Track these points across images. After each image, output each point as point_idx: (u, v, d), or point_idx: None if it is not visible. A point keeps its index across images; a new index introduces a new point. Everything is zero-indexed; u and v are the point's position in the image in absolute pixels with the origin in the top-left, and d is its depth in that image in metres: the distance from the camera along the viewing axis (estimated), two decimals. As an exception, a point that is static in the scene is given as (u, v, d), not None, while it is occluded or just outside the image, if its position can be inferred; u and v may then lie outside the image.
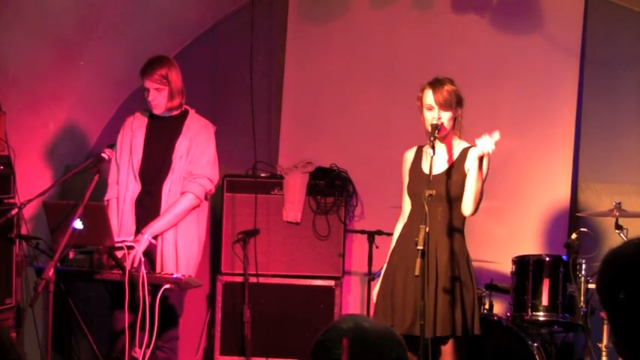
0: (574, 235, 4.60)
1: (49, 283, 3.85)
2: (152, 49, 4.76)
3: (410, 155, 4.16)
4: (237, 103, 5.74)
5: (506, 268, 4.85)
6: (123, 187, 4.47)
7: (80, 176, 4.64)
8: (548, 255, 4.76)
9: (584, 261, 4.60)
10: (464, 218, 4.02)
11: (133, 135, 4.52)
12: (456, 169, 4.00)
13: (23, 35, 4.63)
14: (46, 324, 4.18)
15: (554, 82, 5.51)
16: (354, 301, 5.65)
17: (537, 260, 4.69)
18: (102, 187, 4.54)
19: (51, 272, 3.85)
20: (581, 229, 4.66)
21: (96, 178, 4.20)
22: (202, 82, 5.85)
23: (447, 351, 3.93)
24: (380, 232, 5.15)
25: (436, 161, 3.90)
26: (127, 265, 4.15)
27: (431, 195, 3.70)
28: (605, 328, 4.54)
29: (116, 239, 4.25)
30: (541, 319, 4.62)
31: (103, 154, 4.37)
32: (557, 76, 5.51)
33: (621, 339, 1.85)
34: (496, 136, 3.78)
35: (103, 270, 4.22)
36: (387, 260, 4.15)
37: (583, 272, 4.59)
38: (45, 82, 4.98)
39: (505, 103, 5.50)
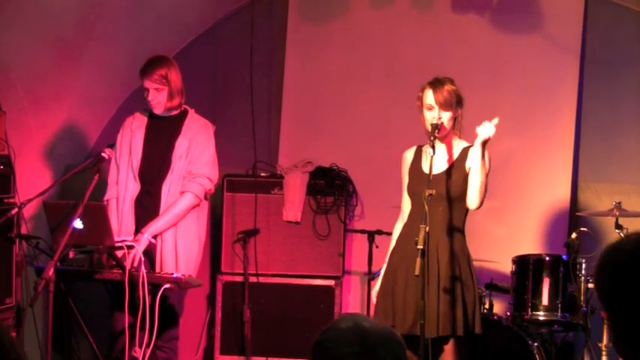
0: (574, 235, 4.60)
1: (49, 282, 3.85)
2: (152, 49, 4.77)
3: (409, 155, 4.16)
4: (237, 103, 5.73)
5: (507, 267, 4.85)
6: (122, 186, 4.47)
7: (80, 176, 4.65)
8: (548, 254, 4.76)
9: (584, 260, 4.60)
10: (464, 218, 4.02)
11: (133, 135, 4.52)
12: (456, 168, 4.00)
13: (23, 35, 4.63)
14: (46, 324, 4.18)
15: (554, 82, 5.51)
16: (354, 301, 5.65)
17: (537, 260, 4.69)
18: (102, 186, 4.54)
19: (51, 272, 3.85)
20: (581, 229, 4.67)
21: (96, 177, 4.20)
22: (202, 81, 5.85)
23: (448, 351, 3.93)
24: (380, 232, 5.15)
25: (436, 161, 3.90)
26: (127, 265, 4.15)
27: (431, 195, 3.70)
28: (605, 327, 4.54)
29: (116, 239, 4.25)
30: (541, 318, 4.62)
31: (103, 154, 4.37)
32: (557, 76, 5.51)
33: (621, 337, 1.85)
34: (495, 120, 3.79)
35: (103, 270, 4.22)
36: (386, 260, 4.15)
37: (583, 272, 4.59)
38: (45, 82, 4.98)
39: (505, 102, 5.49)
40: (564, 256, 4.66)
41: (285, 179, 5.49)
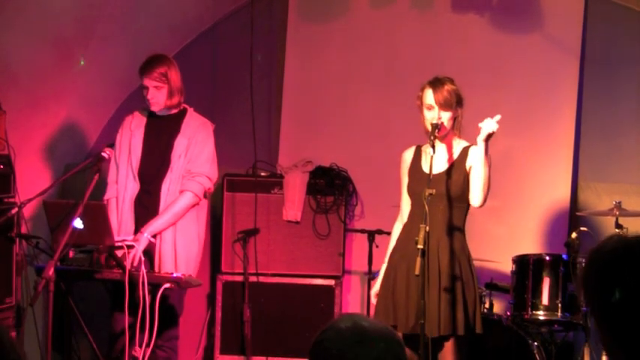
0: (574, 235, 4.60)
1: (49, 282, 3.85)
2: (152, 49, 4.76)
3: (408, 155, 4.16)
4: (237, 103, 5.74)
5: (507, 267, 4.85)
6: (122, 186, 4.47)
7: (80, 175, 4.64)
8: (548, 254, 4.76)
9: (584, 260, 4.59)
10: (464, 217, 4.02)
11: (132, 134, 4.52)
12: (456, 168, 4.00)
13: (23, 35, 4.63)
14: (46, 323, 4.18)
15: (554, 82, 5.51)
16: (354, 301, 5.66)
17: (537, 259, 4.70)
18: (102, 186, 4.54)
19: (51, 271, 3.85)
20: (581, 229, 4.66)
21: (96, 177, 4.20)
22: (202, 81, 5.85)
23: (449, 350, 3.93)
24: (380, 232, 5.15)
25: (436, 160, 3.90)
26: (127, 265, 4.15)
27: (431, 194, 3.70)
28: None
29: (116, 238, 4.25)
30: (541, 318, 4.62)
31: (103, 154, 4.37)
32: (557, 76, 5.51)
33: (613, 337, 1.85)
34: (497, 117, 3.80)
35: (103, 269, 4.22)
36: (385, 260, 4.15)
37: (580, 273, 4.59)
38: (45, 82, 4.98)
39: (505, 102, 5.49)
40: (564, 256, 4.66)
41: (285, 179, 5.50)
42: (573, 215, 5.34)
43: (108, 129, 5.55)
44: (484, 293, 4.79)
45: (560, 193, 5.43)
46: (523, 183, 5.47)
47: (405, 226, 4.08)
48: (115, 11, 5.05)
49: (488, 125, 3.80)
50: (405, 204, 4.14)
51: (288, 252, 5.45)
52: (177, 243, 4.40)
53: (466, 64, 5.44)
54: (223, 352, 5.44)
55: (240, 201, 5.48)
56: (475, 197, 3.93)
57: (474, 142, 3.96)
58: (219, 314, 5.44)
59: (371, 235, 5.27)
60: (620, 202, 4.66)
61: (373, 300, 4.16)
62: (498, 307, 5.08)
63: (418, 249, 3.62)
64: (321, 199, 5.46)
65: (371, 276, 5.02)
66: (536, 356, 4.53)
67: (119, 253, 4.19)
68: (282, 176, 5.52)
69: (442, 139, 4.02)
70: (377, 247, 5.17)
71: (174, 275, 4.18)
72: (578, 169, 5.51)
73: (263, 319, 5.36)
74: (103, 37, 5.10)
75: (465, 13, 5.61)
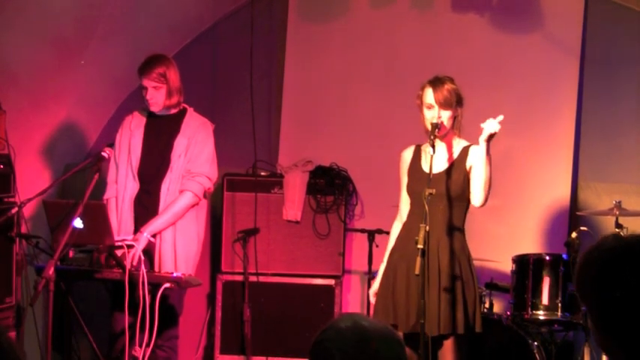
0: (574, 234, 4.60)
1: (49, 282, 3.85)
2: (152, 49, 4.76)
3: (408, 154, 4.16)
4: (237, 103, 5.74)
5: (507, 266, 4.86)
6: (122, 186, 4.47)
7: (80, 175, 4.65)
8: (548, 254, 4.77)
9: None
10: (464, 216, 4.02)
11: (132, 134, 4.52)
12: (456, 167, 4.00)
13: (23, 35, 4.63)
14: (46, 323, 4.18)
15: (554, 82, 5.51)
16: (354, 300, 5.66)
17: (537, 259, 4.70)
18: (102, 186, 4.55)
19: (51, 271, 3.85)
20: (582, 228, 4.66)
21: (96, 177, 4.20)
22: (202, 81, 5.85)
23: (449, 349, 3.93)
24: (380, 231, 5.16)
25: (436, 160, 3.90)
26: (127, 264, 4.15)
27: (431, 194, 3.70)
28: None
29: (116, 238, 4.25)
30: (541, 317, 4.62)
31: (103, 153, 4.37)
32: (557, 76, 5.51)
33: (613, 336, 1.85)
34: (500, 117, 3.80)
35: (103, 269, 4.22)
36: (384, 259, 4.15)
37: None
38: (45, 82, 4.98)
39: (505, 102, 5.49)
40: (564, 256, 4.66)
41: (285, 178, 5.50)
42: (573, 215, 5.34)
43: (108, 129, 5.55)
44: (484, 293, 4.80)
45: (560, 193, 5.43)
46: (523, 183, 5.47)
47: (405, 226, 4.08)
48: (115, 11, 5.05)
49: (490, 126, 3.80)
50: (404, 203, 4.14)
51: (288, 252, 5.45)
52: (177, 243, 4.40)
53: (466, 64, 5.44)
54: (223, 351, 5.45)
55: (240, 201, 5.48)
56: (476, 197, 3.93)
57: (474, 142, 3.96)
58: (219, 314, 5.44)
59: (371, 234, 5.28)
60: (620, 202, 4.66)
61: (372, 299, 4.16)
62: (498, 307, 5.08)
63: (418, 249, 3.62)
64: (321, 199, 5.46)
65: (371, 276, 5.02)
66: (536, 356, 4.53)
67: (119, 252, 4.19)
68: (282, 176, 5.53)
69: (442, 139, 4.02)
70: (377, 246, 5.17)
71: (174, 275, 4.18)
72: (578, 169, 5.51)
73: (263, 318, 5.36)
74: (103, 37, 5.10)
75: (465, 13, 5.61)
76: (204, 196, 4.52)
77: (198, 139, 4.48)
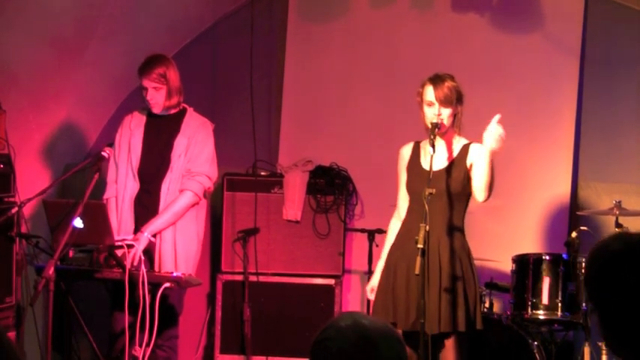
0: (574, 234, 4.60)
1: (49, 281, 3.85)
2: (152, 49, 4.76)
3: (406, 152, 4.15)
4: (237, 103, 5.74)
5: (507, 266, 4.85)
6: (122, 185, 4.47)
7: (80, 175, 4.65)
8: (548, 253, 4.76)
9: (584, 259, 4.60)
10: (464, 214, 4.02)
11: (132, 134, 4.52)
12: (456, 165, 4.00)
13: (23, 35, 4.63)
14: (46, 323, 4.18)
15: (555, 82, 5.51)
16: (354, 300, 5.66)
17: (537, 259, 4.70)
18: (102, 186, 4.55)
19: (51, 271, 3.85)
20: (582, 228, 4.66)
21: (96, 176, 4.20)
22: (202, 81, 5.85)
23: (449, 347, 3.93)
24: (380, 231, 5.15)
25: (436, 158, 3.89)
26: (127, 264, 4.15)
27: (431, 194, 3.70)
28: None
29: (116, 238, 4.25)
30: (541, 317, 4.62)
31: (103, 153, 4.37)
32: (557, 76, 5.51)
33: (613, 334, 1.86)
34: (497, 116, 3.78)
35: (102, 269, 4.22)
36: (382, 256, 4.15)
37: (583, 271, 4.59)
38: (45, 81, 4.98)
39: (505, 103, 5.49)
40: (564, 255, 4.66)
41: (285, 178, 5.50)
42: (573, 215, 5.34)
43: (108, 129, 5.55)
44: (484, 293, 4.79)
45: (560, 193, 5.43)
46: (523, 182, 5.47)
47: (405, 224, 4.08)
48: (115, 11, 5.05)
49: (494, 141, 3.75)
50: (403, 200, 4.14)
51: (288, 251, 5.45)
52: (177, 242, 4.40)
53: (466, 64, 5.43)
54: (223, 351, 5.44)
55: (240, 200, 5.48)
56: (479, 193, 3.93)
57: (473, 140, 3.96)
58: (219, 314, 5.44)
59: (371, 234, 5.28)
60: (620, 202, 4.66)
61: (369, 295, 4.15)
62: (498, 307, 5.08)
63: (418, 248, 3.62)
64: (321, 199, 5.46)
65: (371, 275, 5.02)
66: (536, 356, 4.53)
67: (119, 252, 4.19)
68: (282, 176, 5.53)
69: (442, 136, 4.02)
70: (377, 246, 5.17)
71: (174, 275, 4.18)
72: (578, 169, 5.51)
73: (263, 318, 5.36)
74: (103, 37, 5.10)
75: (465, 13, 5.61)
76: (204, 196, 4.52)
77: (198, 139, 4.48)
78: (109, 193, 4.52)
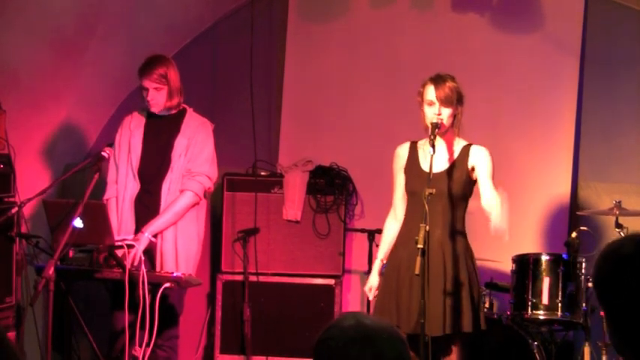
0: (574, 234, 4.60)
1: (49, 281, 3.85)
2: (152, 49, 4.76)
3: (403, 151, 4.14)
4: (237, 103, 5.74)
5: (507, 266, 4.85)
6: (122, 186, 4.47)
7: (80, 175, 4.64)
8: (548, 254, 4.76)
9: (584, 260, 4.61)
10: (464, 215, 4.02)
11: (132, 134, 4.52)
12: (457, 167, 4.00)
13: (23, 34, 4.63)
14: (46, 323, 4.17)
15: (554, 82, 5.51)
16: (354, 300, 5.66)
17: (537, 259, 4.70)
18: (102, 186, 4.54)
19: (51, 271, 3.85)
20: (582, 228, 4.66)
21: (96, 176, 4.20)
22: (202, 81, 5.85)
23: (454, 349, 3.94)
24: (380, 231, 5.10)
25: (436, 159, 3.89)
26: (128, 264, 4.15)
27: (431, 194, 3.70)
28: (606, 326, 4.54)
29: (116, 238, 4.25)
30: (541, 317, 4.62)
31: (103, 153, 4.37)
32: (557, 76, 5.51)
33: (619, 335, 1.85)
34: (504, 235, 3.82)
35: (103, 269, 4.22)
36: (380, 256, 4.15)
37: (583, 271, 4.60)
38: (45, 81, 4.98)
39: (505, 103, 5.50)
40: (564, 255, 4.66)
41: (285, 178, 5.50)
42: (573, 215, 5.34)
43: (108, 129, 5.55)
44: (484, 293, 4.79)
45: (560, 193, 5.43)
46: (523, 182, 5.46)
47: (405, 225, 4.07)
48: (115, 11, 5.05)
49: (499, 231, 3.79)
50: (399, 200, 4.14)
51: (288, 251, 5.45)
52: (178, 242, 4.40)
53: (466, 65, 5.43)
54: (223, 351, 5.44)
55: (240, 200, 5.48)
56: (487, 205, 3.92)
57: (473, 142, 3.97)
58: (219, 314, 5.44)
59: (371, 234, 5.28)
60: (620, 202, 4.66)
61: (369, 295, 4.14)
62: (498, 307, 5.07)
63: (418, 248, 3.62)
64: (321, 199, 5.46)
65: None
66: (536, 356, 4.53)
67: (119, 252, 4.19)
68: (282, 176, 5.52)
69: (441, 137, 4.02)
70: (377, 246, 5.14)
71: (175, 274, 4.18)
72: (579, 169, 5.51)
73: (263, 318, 5.36)
74: (103, 37, 5.10)
75: (465, 13, 5.62)
76: (205, 196, 4.52)
77: (198, 139, 4.48)
78: (110, 194, 4.52)
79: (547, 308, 4.60)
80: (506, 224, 3.81)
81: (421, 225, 3.66)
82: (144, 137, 4.52)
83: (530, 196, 5.45)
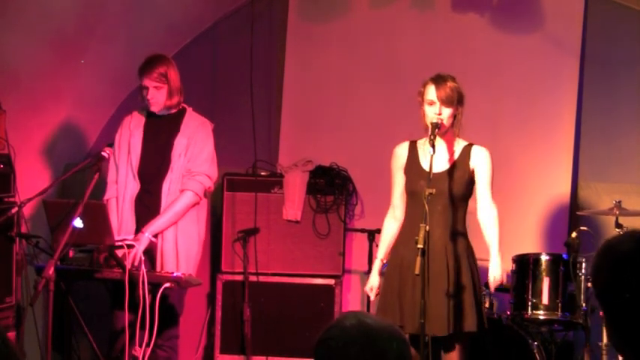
0: (574, 234, 4.60)
1: (49, 281, 3.85)
2: (152, 48, 4.76)
3: (402, 151, 4.14)
4: (237, 103, 5.74)
5: (507, 266, 4.84)
6: (122, 186, 4.47)
7: (80, 175, 4.64)
8: (548, 254, 4.76)
9: (584, 260, 4.61)
10: (465, 215, 4.02)
11: (131, 134, 4.52)
12: (458, 167, 4.00)
13: (24, 34, 4.63)
14: (46, 323, 4.17)
15: (554, 83, 5.51)
16: (354, 300, 5.65)
17: (537, 259, 4.70)
18: (102, 186, 4.54)
19: (51, 271, 3.85)
20: (582, 228, 4.67)
21: (96, 176, 4.20)
22: (202, 81, 5.85)
23: (459, 348, 3.94)
24: (380, 231, 5.14)
25: (436, 159, 3.89)
26: (128, 264, 4.15)
27: (431, 194, 3.70)
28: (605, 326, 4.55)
29: (116, 238, 4.25)
30: (541, 317, 4.62)
31: (103, 153, 4.37)
32: (557, 77, 5.51)
33: (622, 337, 1.84)
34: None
35: (103, 269, 4.22)
36: (379, 256, 4.15)
37: (583, 271, 4.59)
38: (45, 81, 4.98)
39: (505, 103, 5.50)
40: (564, 255, 4.66)
41: (285, 178, 5.49)
42: (573, 215, 5.34)
43: (107, 129, 5.54)
44: (484, 293, 4.78)
45: (560, 193, 5.43)
46: (523, 183, 5.47)
47: (406, 226, 4.07)
48: (115, 11, 5.05)
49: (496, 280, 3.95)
50: (399, 200, 4.14)
51: (288, 251, 5.44)
52: (179, 242, 4.40)
53: (466, 64, 5.43)
54: (223, 351, 5.44)
55: (240, 200, 5.48)
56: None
57: (473, 142, 3.97)
58: (219, 314, 5.44)
59: (371, 234, 5.27)
60: (620, 202, 4.66)
61: (370, 295, 4.14)
62: (498, 307, 5.07)
63: (418, 248, 3.62)
64: (321, 199, 5.46)
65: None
66: (536, 356, 4.53)
67: (119, 252, 4.19)
68: (282, 175, 5.52)
69: (441, 136, 4.02)
70: (377, 246, 5.15)
71: (175, 274, 4.17)
72: (579, 169, 5.51)
73: (263, 318, 5.36)
74: (103, 37, 5.10)
75: (465, 13, 5.61)
76: (205, 196, 4.52)
77: (198, 139, 4.48)
78: (110, 194, 4.52)
79: (547, 308, 4.60)
80: (500, 262, 4.03)
81: (421, 225, 3.66)
82: (144, 137, 4.52)
83: (531, 196, 5.45)
